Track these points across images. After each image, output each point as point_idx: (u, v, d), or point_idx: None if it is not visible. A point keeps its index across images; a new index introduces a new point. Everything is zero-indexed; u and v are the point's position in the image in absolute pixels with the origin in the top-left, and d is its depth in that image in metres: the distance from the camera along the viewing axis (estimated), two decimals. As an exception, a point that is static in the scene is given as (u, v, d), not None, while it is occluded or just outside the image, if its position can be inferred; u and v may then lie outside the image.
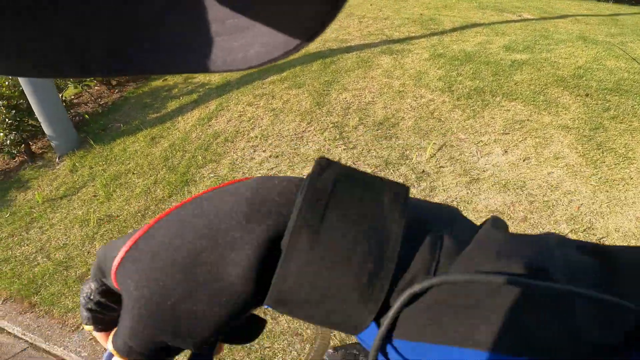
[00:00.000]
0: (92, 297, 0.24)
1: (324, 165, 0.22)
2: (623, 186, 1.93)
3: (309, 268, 0.19)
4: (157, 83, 3.84)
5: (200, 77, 3.68)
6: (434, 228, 0.22)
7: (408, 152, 2.27)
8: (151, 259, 0.20)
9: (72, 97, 3.95)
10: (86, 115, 3.45)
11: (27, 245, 2.25)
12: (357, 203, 0.20)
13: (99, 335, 0.26)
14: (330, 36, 3.86)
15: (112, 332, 0.24)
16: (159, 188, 2.41)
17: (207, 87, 3.46)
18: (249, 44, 0.14)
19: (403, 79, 2.93)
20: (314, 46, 3.74)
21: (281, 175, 0.27)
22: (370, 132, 2.47)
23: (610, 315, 0.18)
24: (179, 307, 0.20)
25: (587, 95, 2.52)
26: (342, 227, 0.20)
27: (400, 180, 2.10)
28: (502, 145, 2.23)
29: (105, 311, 0.24)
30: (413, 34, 3.75)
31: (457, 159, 2.18)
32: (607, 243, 1.66)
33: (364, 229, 0.20)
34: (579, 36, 3.49)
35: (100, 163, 2.78)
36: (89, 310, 0.24)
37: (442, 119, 2.47)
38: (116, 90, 3.95)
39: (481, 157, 2.18)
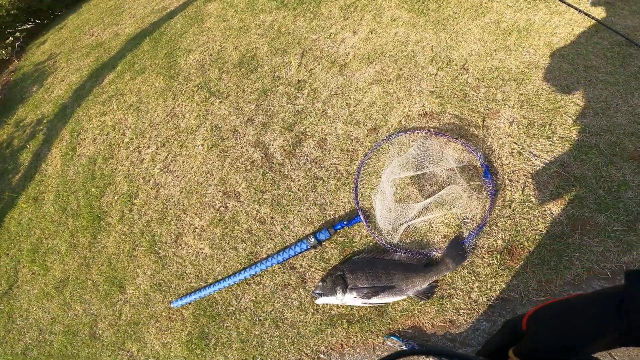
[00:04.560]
0: None
1: None
2: (453, 20, 2.22)
3: None
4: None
5: (30, 116, 3.05)
6: None
7: (277, 72, 2.29)
8: None
9: None
10: None
11: (25, 334, 2.04)
12: None
13: None
14: (145, 11, 3.48)
15: None
16: (80, 236, 2.15)
17: (45, 121, 2.90)
18: None
19: (239, 15, 2.85)
20: (132, 28, 3.34)
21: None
22: (235, 75, 2.40)
23: None
24: None
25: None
26: None
27: (284, 99, 2.14)
28: (349, 29, 2.40)
29: None
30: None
31: (321, 57, 2.28)
32: (467, 67, 1.94)
33: None
34: None
35: (10, 246, 2.35)
36: None
37: (291, 32, 2.51)
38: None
39: (339, 46, 2.32)
